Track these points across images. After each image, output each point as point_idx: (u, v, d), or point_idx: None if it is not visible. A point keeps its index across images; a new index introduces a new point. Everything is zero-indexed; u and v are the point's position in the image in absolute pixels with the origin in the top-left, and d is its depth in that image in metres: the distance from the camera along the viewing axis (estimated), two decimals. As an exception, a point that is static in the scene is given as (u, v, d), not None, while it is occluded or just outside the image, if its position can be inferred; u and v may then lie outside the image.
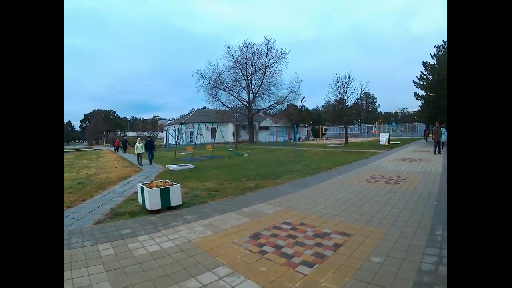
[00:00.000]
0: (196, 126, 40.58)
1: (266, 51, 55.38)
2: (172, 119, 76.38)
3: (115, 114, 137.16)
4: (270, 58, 55.97)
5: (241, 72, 56.51)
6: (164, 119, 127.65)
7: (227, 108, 55.12)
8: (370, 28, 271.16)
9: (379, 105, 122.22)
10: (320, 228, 6.14)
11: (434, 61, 40.55)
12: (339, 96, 40.74)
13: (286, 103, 59.53)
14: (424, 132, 46.37)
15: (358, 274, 4.23)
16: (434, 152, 22.84)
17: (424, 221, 6.55)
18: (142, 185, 8.30)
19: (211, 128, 55.82)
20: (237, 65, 55.95)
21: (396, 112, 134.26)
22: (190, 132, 55.41)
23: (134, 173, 16.96)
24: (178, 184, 8.39)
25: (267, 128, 63.92)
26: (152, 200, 7.70)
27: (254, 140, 58.87)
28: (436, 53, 41.35)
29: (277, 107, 59.94)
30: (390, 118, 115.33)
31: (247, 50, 55.29)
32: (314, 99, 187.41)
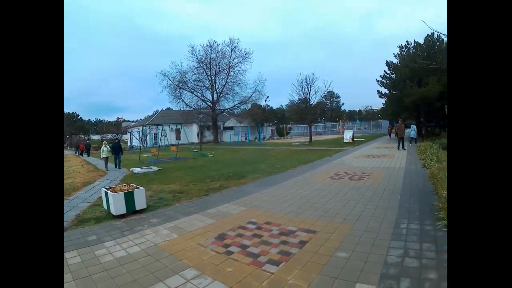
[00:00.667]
0: (160, 127, 40.19)
1: (230, 51, 55.56)
2: (136, 121, 75.37)
3: (79, 117, 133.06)
4: (234, 58, 56.17)
5: (205, 72, 56.23)
6: (128, 120, 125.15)
7: (191, 109, 54.46)
8: (336, 28, 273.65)
9: (343, 104, 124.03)
10: (285, 226, 6.24)
11: (397, 61, 41.63)
12: (303, 95, 41.31)
13: (250, 102, 59.67)
14: (387, 128, 47.47)
15: (324, 270, 4.33)
16: (398, 148, 23.59)
17: (389, 215, 6.76)
18: (106, 190, 8.17)
19: (176, 129, 55.00)
20: (201, 65, 55.66)
21: (360, 110, 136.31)
22: (154, 134, 54.81)
23: (99, 177, 16.62)
24: (142, 188, 8.31)
25: (231, 128, 63.86)
26: (117, 204, 7.60)
27: (219, 141, 58.73)
28: (399, 53, 42.47)
29: (241, 107, 60.04)
30: (354, 116, 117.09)
31: (211, 50, 55.20)
32: (279, 99, 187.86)
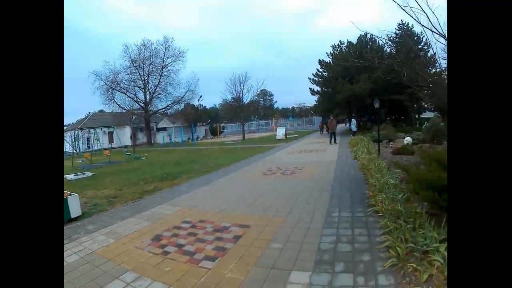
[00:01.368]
0: (93, 131, 38.93)
1: (164, 50, 54.05)
2: (68, 125, 72.56)
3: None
4: (167, 57, 54.60)
5: (138, 72, 54.24)
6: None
7: (124, 110, 52.99)
8: (271, 27, 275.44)
9: (276, 101, 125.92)
10: (219, 223, 6.35)
11: (330, 59, 42.95)
12: (235, 94, 41.64)
13: (183, 102, 58.89)
14: (319, 125, 48.73)
15: (260, 261, 4.49)
16: (330, 142, 24.46)
17: (321, 206, 7.07)
18: (38, 199, 7.85)
19: (108, 132, 53.06)
20: (134, 64, 53.56)
21: (293, 108, 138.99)
22: (87, 138, 52.90)
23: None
24: (76, 194, 8.06)
25: (164, 129, 62.88)
26: (51, 213, 7.32)
27: (152, 142, 57.44)
28: (332, 52, 43.96)
29: (174, 107, 59.05)
30: (287, 113, 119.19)
31: (145, 49, 53.48)
32: (212, 98, 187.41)
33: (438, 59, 15.50)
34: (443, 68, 16.57)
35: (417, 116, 50.97)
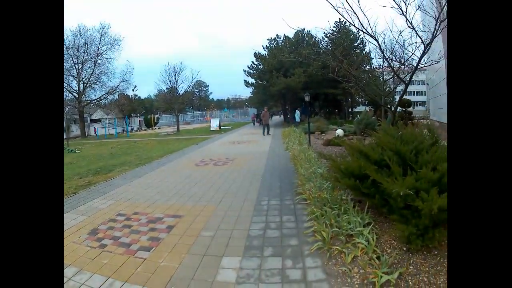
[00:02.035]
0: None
1: (100, 37, 51.00)
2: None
3: None
4: (103, 45, 51.67)
5: (72, 60, 50.15)
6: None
7: (57, 101, 50.02)
8: (209, 19, 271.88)
9: (211, 93, 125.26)
10: (152, 214, 6.42)
11: (266, 52, 43.43)
12: (170, 85, 41.22)
13: (118, 93, 57.00)
14: (251, 117, 49.16)
15: (192, 249, 4.67)
16: (263, 134, 24.80)
17: (251, 195, 7.36)
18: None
19: (41, 125, 50.32)
20: (68, 52, 49.09)
21: (228, 99, 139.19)
22: (18, 132, 49.85)
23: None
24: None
25: (98, 120, 60.80)
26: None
27: (86, 135, 55.09)
28: (268, 45, 44.50)
29: (109, 97, 57.08)
30: (222, 105, 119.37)
31: (80, 35, 49.98)
32: (147, 88, 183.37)
33: (370, 58, 16.25)
34: (374, 66, 17.36)
35: (350, 110, 52.71)
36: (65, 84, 49.15)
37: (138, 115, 72.40)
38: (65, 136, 45.14)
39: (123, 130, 53.75)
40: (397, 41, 9.79)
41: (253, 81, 45.80)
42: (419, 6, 8.83)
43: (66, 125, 43.94)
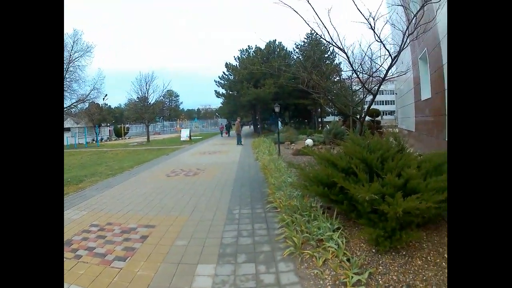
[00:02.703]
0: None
1: (72, 43, 50.52)
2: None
3: None
4: (75, 52, 51.07)
5: None
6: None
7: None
8: (180, 29, 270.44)
9: (181, 102, 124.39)
10: (126, 225, 6.42)
11: (237, 63, 43.63)
12: (141, 94, 40.95)
13: (88, 101, 55.96)
14: (219, 128, 49.24)
15: (167, 258, 4.73)
16: (237, 143, 24.99)
17: (222, 204, 7.49)
18: None
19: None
20: None
21: (199, 109, 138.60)
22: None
23: None
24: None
25: (68, 129, 59.68)
26: None
27: (56, 144, 54.01)
28: (239, 56, 44.69)
29: (79, 106, 55.99)
30: (193, 115, 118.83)
31: None
32: (117, 97, 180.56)
33: (339, 69, 16.64)
34: (343, 78, 17.78)
35: (320, 120, 53.24)
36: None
37: (108, 124, 71.31)
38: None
39: (93, 140, 52.87)
40: (365, 54, 10.20)
41: (224, 91, 45.88)
42: (387, 21, 9.15)
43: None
